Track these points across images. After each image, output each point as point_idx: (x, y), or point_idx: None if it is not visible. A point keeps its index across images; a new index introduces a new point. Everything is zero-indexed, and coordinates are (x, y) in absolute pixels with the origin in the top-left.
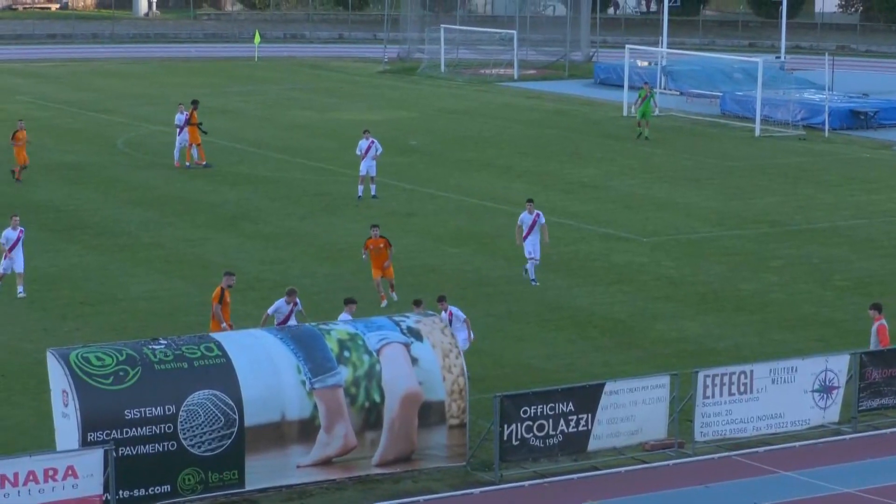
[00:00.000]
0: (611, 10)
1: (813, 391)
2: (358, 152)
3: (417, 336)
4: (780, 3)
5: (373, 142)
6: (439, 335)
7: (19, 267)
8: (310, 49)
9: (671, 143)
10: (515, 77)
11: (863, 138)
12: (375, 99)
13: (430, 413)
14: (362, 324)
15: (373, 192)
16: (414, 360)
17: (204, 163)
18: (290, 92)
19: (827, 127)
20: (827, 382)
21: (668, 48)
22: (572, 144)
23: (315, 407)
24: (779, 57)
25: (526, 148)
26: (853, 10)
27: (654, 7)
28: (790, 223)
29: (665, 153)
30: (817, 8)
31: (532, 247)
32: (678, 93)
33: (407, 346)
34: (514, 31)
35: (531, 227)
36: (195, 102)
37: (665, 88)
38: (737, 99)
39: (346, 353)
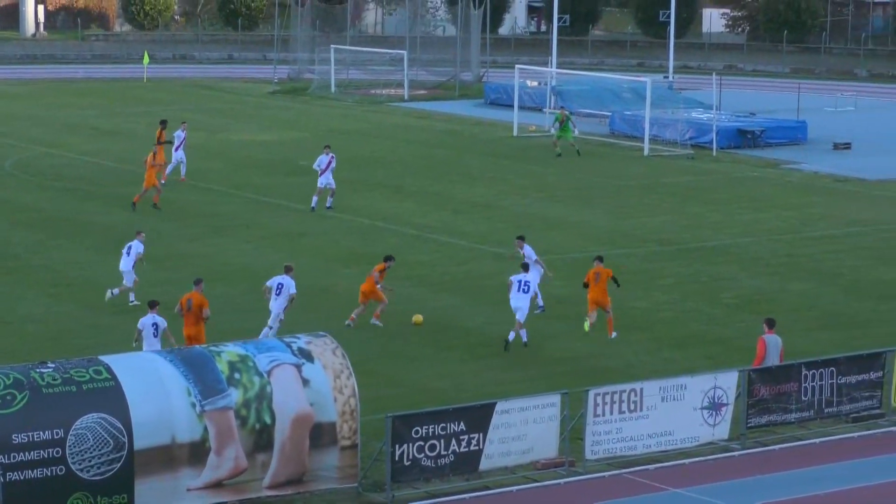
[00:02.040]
0: (501, 30)
1: (702, 408)
2: (316, 167)
3: (308, 357)
4: (668, 24)
5: (332, 157)
6: (330, 356)
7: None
8: (199, 70)
9: (561, 163)
10: (406, 97)
11: (750, 157)
12: (266, 119)
13: (321, 434)
14: (253, 345)
15: (329, 204)
16: (305, 382)
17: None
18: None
19: (715, 146)
20: (716, 399)
21: (557, 68)
22: (463, 164)
23: (205, 429)
24: (667, 76)
25: (417, 168)
26: (740, 30)
27: (543, 27)
28: (679, 242)
29: (556, 173)
30: (705, 28)
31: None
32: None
33: (298, 367)
34: (405, 52)
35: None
36: (163, 122)
37: (555, 108)
38: (626, 118)
39: (237, 375)
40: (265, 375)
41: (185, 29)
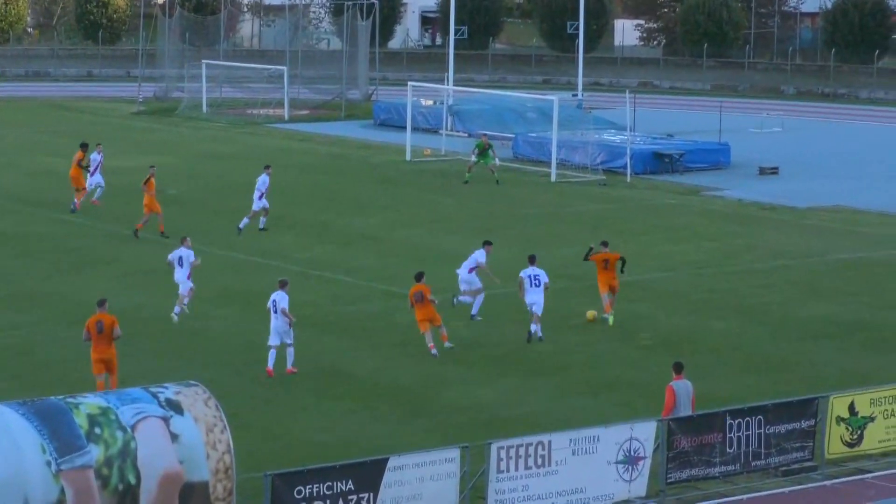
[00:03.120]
0: (392, 43)
1: (617, 462)
2: (261, 187)
3: (178, 409)
4: (577, 36)
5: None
6: (202, 407)
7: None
8: (55, 88)
9: (460, 190)
10: (286, 118)
11: (668, 183)
12: (130, 143)
13: (192, 494)
14: (115, 396)
15: (262, 225)
16: (174, 437)
17: (76, 207)
18: (34, 135)
19: (629, 171)
20: (632, 452)
21: (454, 85)
22: (351, 191)
23: (62, 491)
24: (576, 94)
25: (299, 196)
26: (655, 43)
27: (439, 40)
28: (590, 277)
29: (454, 201)
30: (617, 41)
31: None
32: (466, 134)
33: (166, 420)
34: (285, 67)
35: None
36: (84, 145)
37: (452, 130)
38: (530, 141)
39: (97, 430)
40: (129, 430)
41: (39, 43)
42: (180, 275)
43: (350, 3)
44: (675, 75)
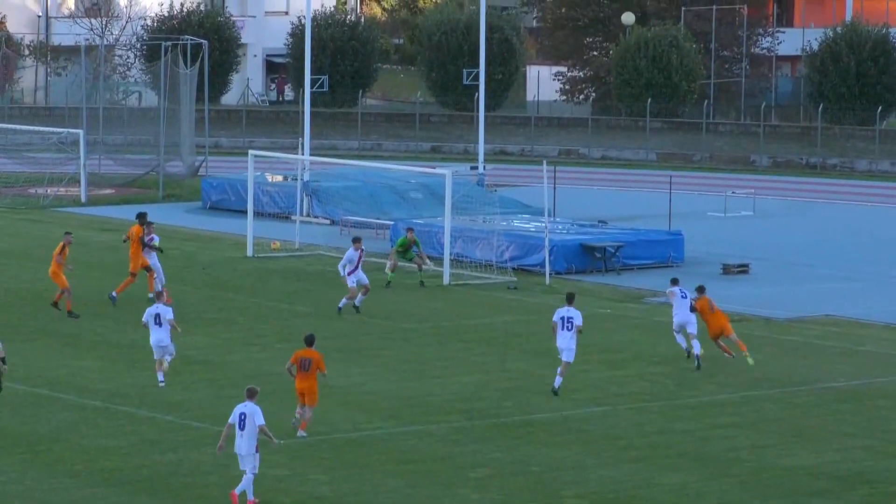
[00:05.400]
0: (227, 98)
1: None
2: (344, 265)
3: None
4: (476, 89)
5: (363, 250)
6: None
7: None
8: None
9: (319, 297)
10: (84, 199)
11: (600, 286)
12: None
13: None
14: None
15: (358, 302)
16: None
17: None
18: None
19: (548, 270)
20: None
21: (311, 155)
22: (172, 299)
23: None
24: (475, 167)
25: (101, 308)
26: (582, 97)
27: (290, 94)
28: (497, 413)
29: (312, 311)
30: (530, 95)
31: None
32: (329, 221)
33: None
34: (81, 131)
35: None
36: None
37: (309, 215)
38: (415, 229)
39: None
40: None
41: None
42: (160, 336)
43: (168, 43)
44: (608, 141)
